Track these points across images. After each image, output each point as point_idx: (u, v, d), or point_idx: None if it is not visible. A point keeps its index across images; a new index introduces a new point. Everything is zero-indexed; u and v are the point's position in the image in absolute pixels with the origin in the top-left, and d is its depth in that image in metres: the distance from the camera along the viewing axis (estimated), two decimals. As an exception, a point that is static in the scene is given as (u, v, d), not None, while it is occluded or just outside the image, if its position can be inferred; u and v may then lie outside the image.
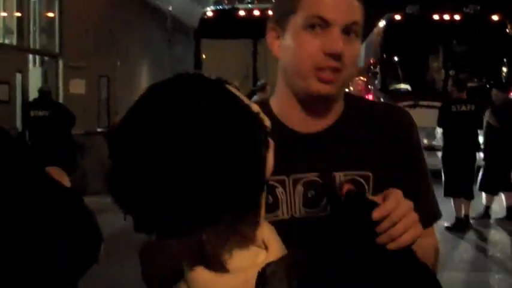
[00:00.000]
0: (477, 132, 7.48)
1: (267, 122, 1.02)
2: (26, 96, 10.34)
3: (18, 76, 10.35)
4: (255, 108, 1.01)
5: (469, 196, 7.35)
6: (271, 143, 1.03)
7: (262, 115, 1.02)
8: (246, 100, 1.01)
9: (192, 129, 0.92)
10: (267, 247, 1.05)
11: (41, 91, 9.05)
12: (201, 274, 1.03)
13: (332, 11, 1.18)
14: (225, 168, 0.92)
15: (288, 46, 1.23)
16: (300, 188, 1.24)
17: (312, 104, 1.25)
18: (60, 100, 10.78)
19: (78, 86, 11.25)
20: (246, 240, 1.04)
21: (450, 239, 6.85)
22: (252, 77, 12.36)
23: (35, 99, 9.12)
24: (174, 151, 0.91)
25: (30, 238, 1.17)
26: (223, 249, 1.02)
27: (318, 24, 1.18)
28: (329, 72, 1.19)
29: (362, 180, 1.24)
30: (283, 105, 1.29)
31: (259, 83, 9.46)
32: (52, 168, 1.34)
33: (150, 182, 0.91)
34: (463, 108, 7.31)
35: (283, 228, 1.11)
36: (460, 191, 7.31)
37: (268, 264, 1.02)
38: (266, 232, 1.07)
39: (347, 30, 1.20)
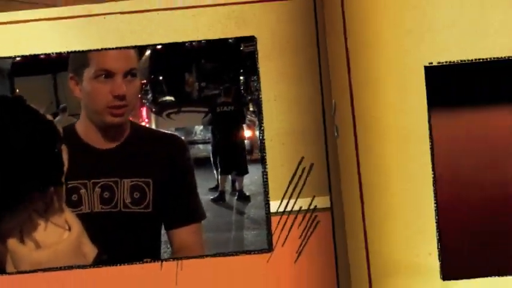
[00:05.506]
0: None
1: (60, 130, 1.23)
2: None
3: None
4: (50, 117, 1.22)
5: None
6: (65, 147, 1.24)
7: (55, 124, 1.22)
8: (42, 112, 1.22)
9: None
10: (70, 228, 1.28)
11: None
12: (19, 249, 1.25)
13: (114, 64, 1.47)
14: (28, 156, 1.14)
15: (86, 91, 1.50)
16: (97, 190, 1.49)
17: (107, 130, 1.53)
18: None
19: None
20: (53, 223, 1.27)
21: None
22: (56, 102, 15.19)
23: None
24: None
25: None
26: (35, 231, 1.25)
27: (105, 74, 1.47)
28: (118, 109, 1.50)
29: (144, 185, 1.51)
30: (85, 129, 1.55)
31: (61, 106, 12.53)
32: None
33: None
34: (225, 109, 8.68)
35: (85, 219, 1.32)
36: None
37: None
38: (68, 216, 1.29)
39: (127, 75, 1.48)
